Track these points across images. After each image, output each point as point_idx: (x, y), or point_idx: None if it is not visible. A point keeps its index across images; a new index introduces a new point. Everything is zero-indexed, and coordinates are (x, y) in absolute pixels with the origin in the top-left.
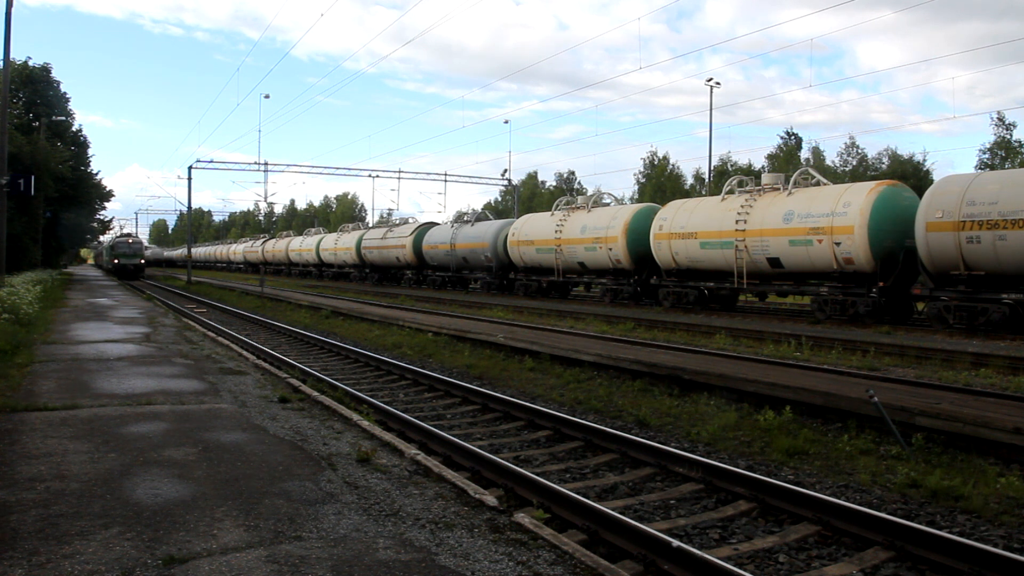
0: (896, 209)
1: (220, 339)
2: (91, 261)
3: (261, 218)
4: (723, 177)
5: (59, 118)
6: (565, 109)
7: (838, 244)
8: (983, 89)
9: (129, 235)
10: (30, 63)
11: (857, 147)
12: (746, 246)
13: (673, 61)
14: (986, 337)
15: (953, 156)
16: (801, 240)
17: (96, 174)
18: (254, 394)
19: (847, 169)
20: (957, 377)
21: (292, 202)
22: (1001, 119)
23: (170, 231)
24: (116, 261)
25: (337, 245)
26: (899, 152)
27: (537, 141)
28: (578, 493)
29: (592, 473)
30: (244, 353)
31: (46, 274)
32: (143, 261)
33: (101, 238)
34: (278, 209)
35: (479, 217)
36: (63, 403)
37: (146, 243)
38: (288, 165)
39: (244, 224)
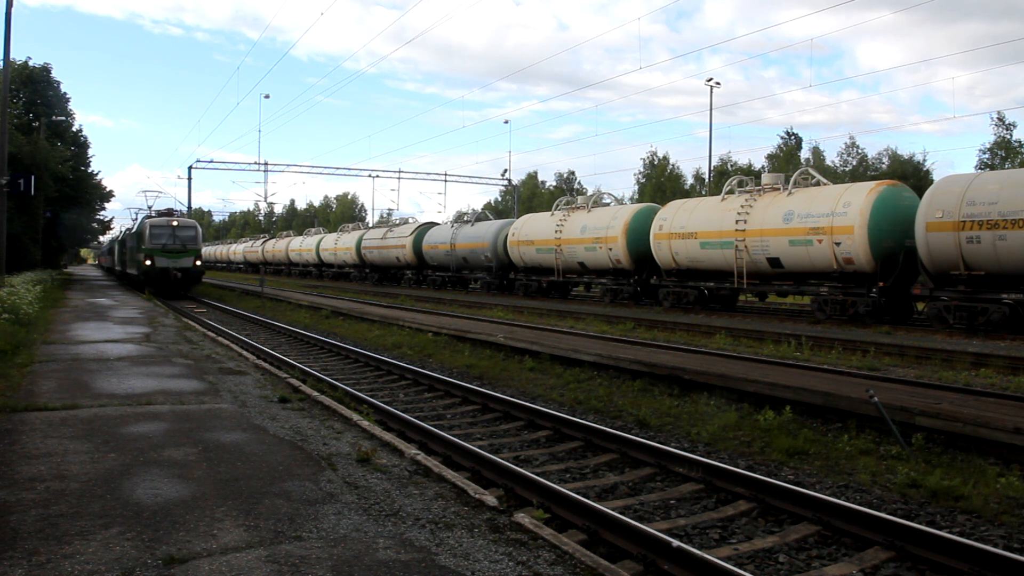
0: (896, 209)
1: (220, 339)
2: (91, 261)
3: (261, 218)
4: (723, 177)
5: (59, 118)
6: (565, 109)
7: (838, 244)
8: (983, 89)
9: (172, 213)
10: (30, 63)
11: (857, 147)
12: (746, 246)
13: (673, 61)
14: (986, 337)
15: (953, 156)
16: (801, 240)
17: (96, 174)
18: (254, 394)
19: (847, 169)
20: (957, 377)
21: (292, 202)
22: (1001, 119)
23: None
24: (149, 262)
25: (337, 245)
26: (899, 152)
27: (537, 141)
28: (578, 493)
29: (592, 473)
30: (244, 353)
31: (46, 274)
32: (199, 263)
33: (102, 238)
34: (278, 209)
35: (479, 217)
36: (63, 403)
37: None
38: (288, 165)
39: (244, 224)
